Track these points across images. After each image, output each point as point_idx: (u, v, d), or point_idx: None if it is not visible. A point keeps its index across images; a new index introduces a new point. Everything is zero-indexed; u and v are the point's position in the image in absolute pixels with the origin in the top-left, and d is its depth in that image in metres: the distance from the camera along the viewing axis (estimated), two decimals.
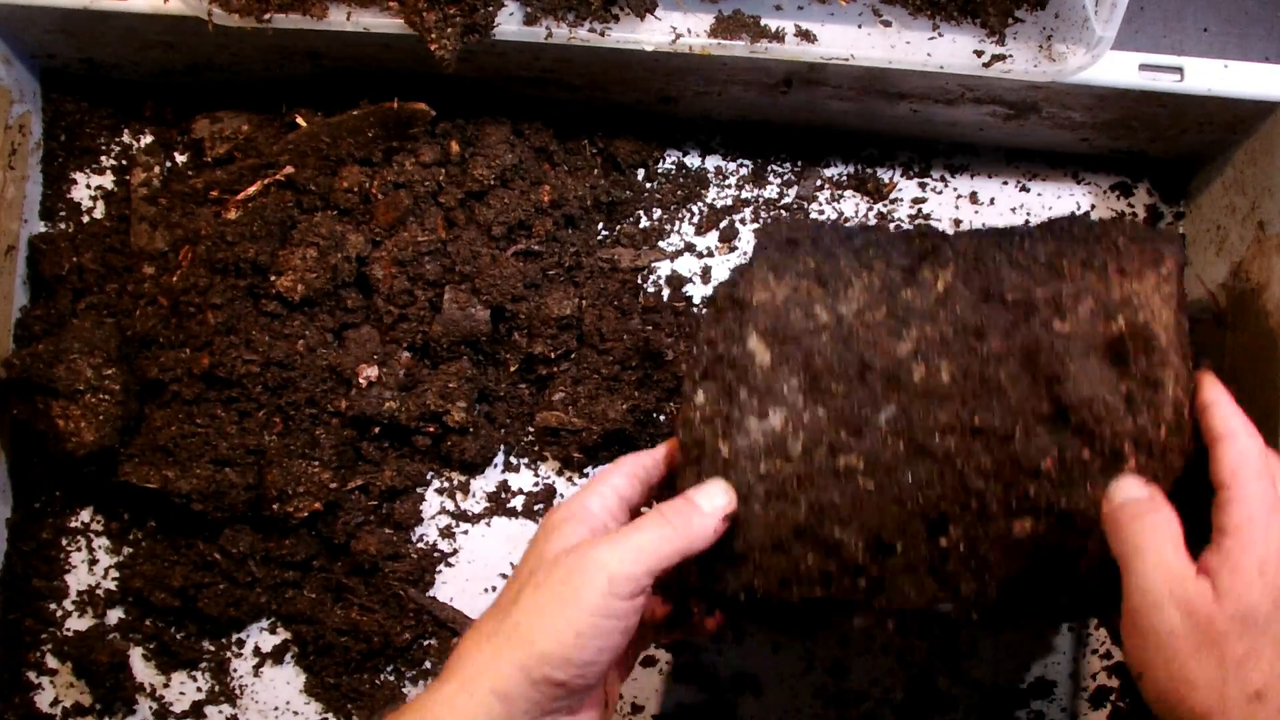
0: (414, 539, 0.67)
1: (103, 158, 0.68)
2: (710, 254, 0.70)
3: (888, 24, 0.59)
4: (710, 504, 0.49)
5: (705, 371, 0.51)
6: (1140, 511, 0.47)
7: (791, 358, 0.50)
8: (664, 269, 0.70)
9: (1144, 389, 0.49)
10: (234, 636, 0.67)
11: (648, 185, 0.71)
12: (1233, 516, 0.47)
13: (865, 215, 0.71)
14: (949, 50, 0.58)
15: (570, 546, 0.47)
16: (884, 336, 0.50)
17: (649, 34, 0.58)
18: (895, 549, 0.50)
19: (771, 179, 0.71)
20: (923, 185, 0.71)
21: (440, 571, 0.68)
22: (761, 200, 0.70)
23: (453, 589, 0.68)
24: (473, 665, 0.45)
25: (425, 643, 0.66)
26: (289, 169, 0.64)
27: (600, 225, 0.70)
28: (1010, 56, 0.58)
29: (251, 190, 0.64)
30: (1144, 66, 0.60)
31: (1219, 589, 0.45)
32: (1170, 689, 0.45)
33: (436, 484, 0.68)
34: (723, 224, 0.70)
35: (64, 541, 0.66)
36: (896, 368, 0.50)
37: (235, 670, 0.66)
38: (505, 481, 0.68)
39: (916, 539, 0.50)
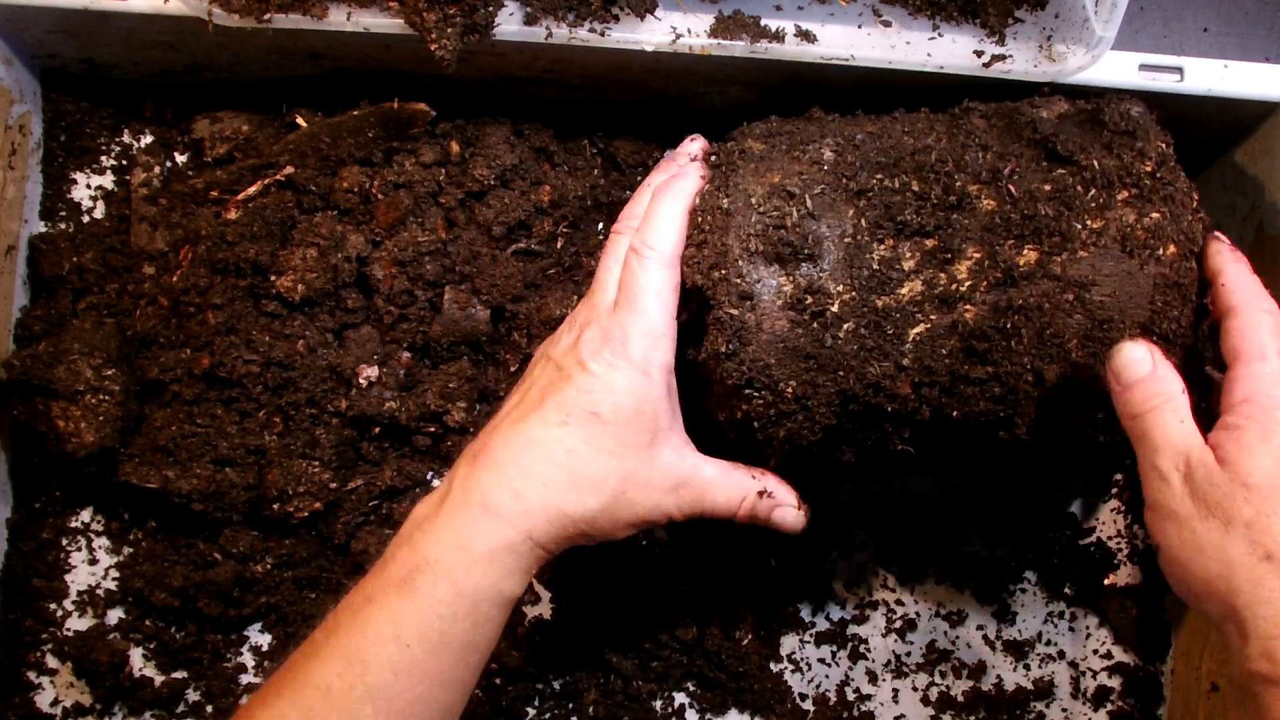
0: None
1: (103, 158, 0.68)
2: None
3: (888, 24, 0.59)
4: (788, 519, 0.57)
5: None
6: (1146, 394, 0.49)
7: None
8: None
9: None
10: (234, 636, 0.67)
11: None
12: (1236, 393, 0.49)
13: None
14: (949, 50, 0.58)
15: (659, 441, 0.52)
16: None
17: (649, 34, 0.58)
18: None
19: None
20: None
21: None
22: None
23: None
24: (541, 530, 0.50)
25: None
26: (289, 169, 0.64)
27: (600, 225, 0.70)
28: (1010, 56, 0.58)
29: (251, 190, 0.64)
30: (1144, 66, 0.60)
31: (1223, 458, 0.47)
32: (1181, 557, 0.47)
33: (436, 484, 0.68)
34: None
35: (64, 541, 0.66)
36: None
37: (235, 670, 0.66)
38: None
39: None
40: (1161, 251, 0.53)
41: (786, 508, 0.56)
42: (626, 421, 0.51)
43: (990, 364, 0.52)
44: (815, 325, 0.52)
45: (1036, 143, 0.54)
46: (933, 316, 0.52)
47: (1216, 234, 0.55)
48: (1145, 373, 0.50)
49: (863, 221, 0.53)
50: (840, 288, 0.52)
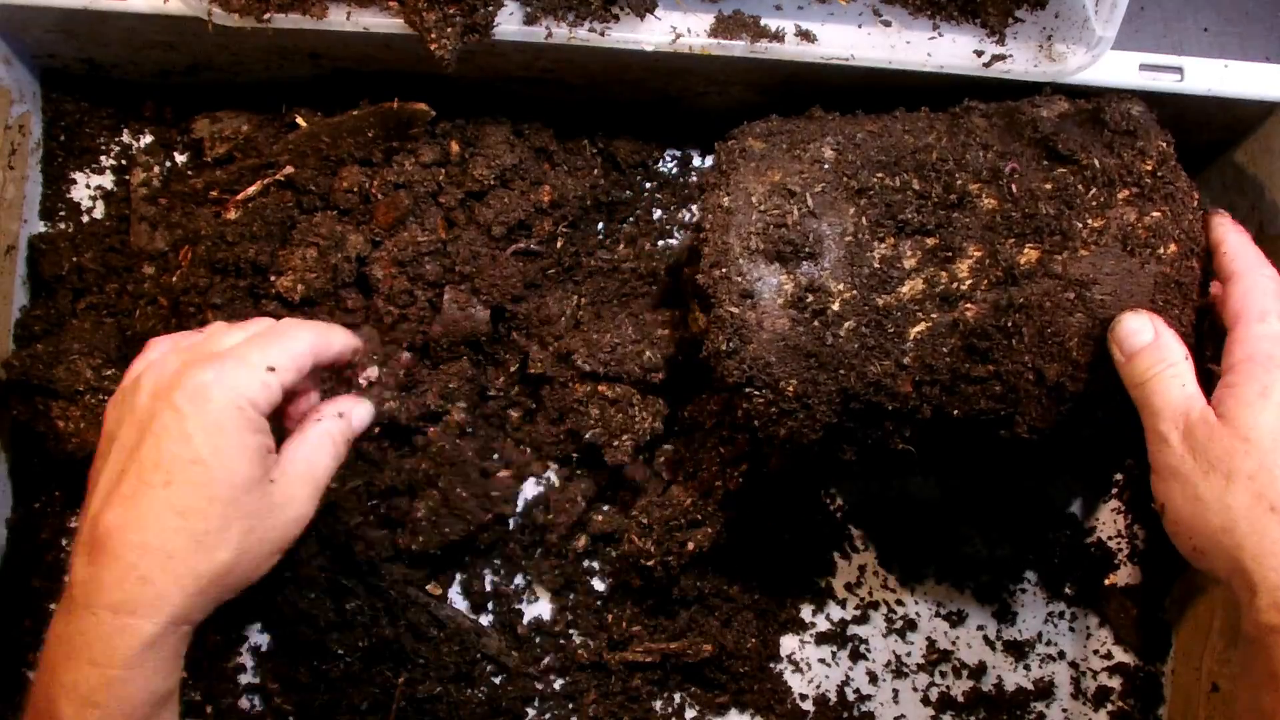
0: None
1: (103, 158, 0.68)
2: None
3: (888, 24, 0.59)
4: (361, 422, 0.55)
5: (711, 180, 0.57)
6: (1148, 361, 0.50)
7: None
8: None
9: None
10: (234, 636, 0.67)
11: (647, 185, 0.71)
12: (1236, 353, 0.49)
13: None
14: (949, 50, 0.58)
15: (265, 476, 0.47)
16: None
17: (649, 34, 0.58)
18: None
19: None
20: None
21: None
22: None
23: (452, 588, 0.68)
24: (178, 605, 0.45)
25: (425, 644, 0.66)
26: (289, 169, 0.64)
27: (600, 225, 0.70)
28: (1010, 56, 0.58)
29: (251, 190, 0.64)
30: (1144, 66, 0.59)
31: (1224, 415, 0.47)
32: (1186, 514, 0.48)
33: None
34: None
35: (64, 541, 0.66)
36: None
37: (235, 670, 0.66)
38: None
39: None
40: (1162, 250, 0.53)
41: (356, 409, 0.55)
42: (226, 456, 0.46)
43: (991, 362, 0.52)
44: (816, 324, 0.52)
45: (1037, 142, 0.54)
46: (934, 315, 0.52)
47: (1218, 210, 0.56)
48: (1148, 340, 0.50)
49: (863, 220, 0.53)
50: (841, 286, 0.52)
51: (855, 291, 0.52)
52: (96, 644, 0.43)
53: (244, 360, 0.48)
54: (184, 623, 0.46)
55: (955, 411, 0.54)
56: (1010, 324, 0.52)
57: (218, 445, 0.45)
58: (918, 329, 0.52)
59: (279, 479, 0.49)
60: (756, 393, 0.52)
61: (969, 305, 0.52)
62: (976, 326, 0.52)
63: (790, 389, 0.52)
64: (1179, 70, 0.60)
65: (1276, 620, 0.44)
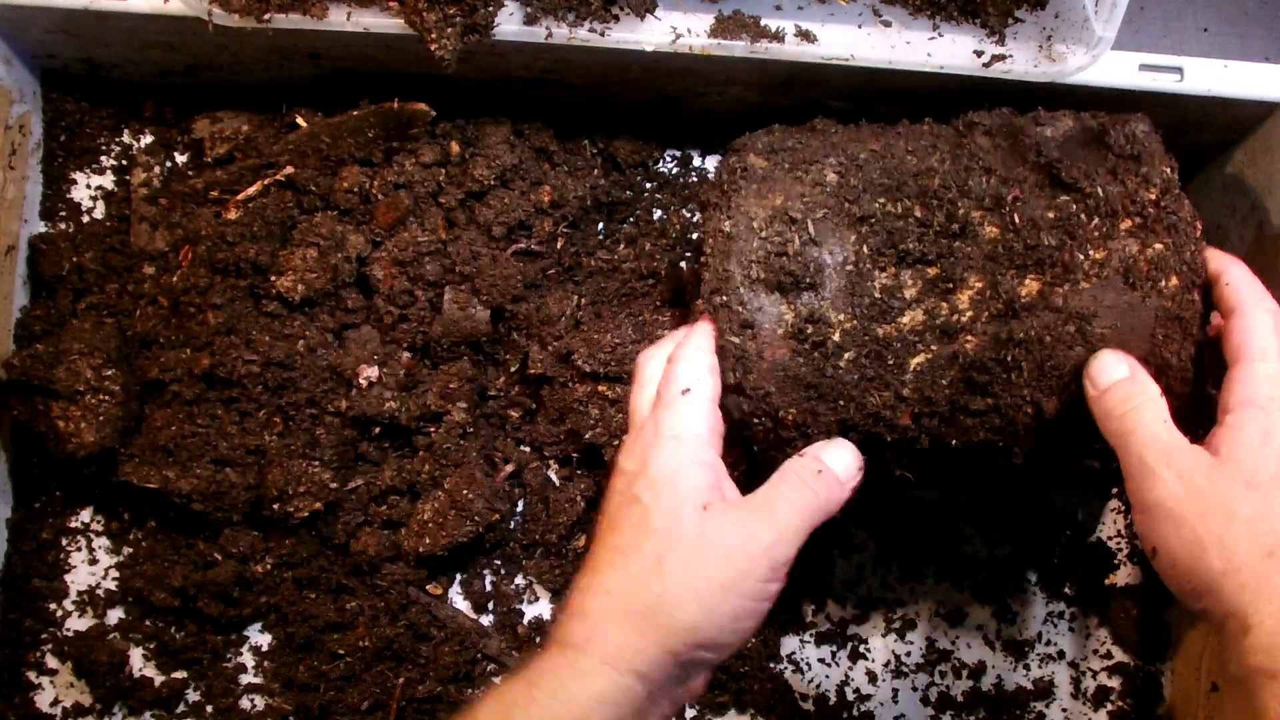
0: None
1: (103, 158, 0.68)
2: None
3: (888, 24, 0.59)
4: (845, 471, 0.51)
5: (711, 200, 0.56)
6: (1126, 394, 0.49)
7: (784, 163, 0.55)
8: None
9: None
10: (234, 636, 0.67)
11: (648, 185, 0.71)
12: (1237, 393, 0.49)
13: None
14: (949, 50, 0.58)
15: (708, 504, 0.47)
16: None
17: (649, 34, 0.58)
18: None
19: None
20: None
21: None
22: None
23: (452, 588, 0.68)
24: (613, 643, 0.44)
25: (425, 644, 0.66)
26: (289, 169, 0.64)
27: (600, 225, 0.70)
28: (1010, 56, 0.58)
29: (252, 190, 0.64)
30: (1144, 66, 0.60)
31: (1222, 456, 0.47)
32: (1183, 555, 0.47)
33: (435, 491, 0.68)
34: None
35: (64, 541, 0.66)
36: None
37: (235, 670, 0.66)
38: None
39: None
40: (1164, 284, 0.52)
41: (836, 460, 0.51)
42: (661, 488, 0.47)
43: (990, 396, 0.52)
44: (816, 355, 0.52)
45: (1041, 167, 0.54)
46: (933, 347, 0.52)
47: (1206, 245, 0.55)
48: (1123, 375, 0.50)
49: (864, 249, 0.52)
50: (841, 317, 0.52)
51: (855, 322, 0.52)
52: (534, 667, 0.45)
53: (666, 395, 0.49)
54: (623, 668, 0.44)
55: (953, 442, 0.54)
56: (1010, 358, 0.52)
57: (654, 481, 0.47)
58: (917, 360, 0.52)
59: (725, 509, 0.47)
60: (756, 421, 0.52)
61: (969, 338, 0.52)
62: (976, 359, 0.52)
63: (789, 418, 0.52)
64: (1179, 70, 0.60)
65: (1264, 663, 0.44)
